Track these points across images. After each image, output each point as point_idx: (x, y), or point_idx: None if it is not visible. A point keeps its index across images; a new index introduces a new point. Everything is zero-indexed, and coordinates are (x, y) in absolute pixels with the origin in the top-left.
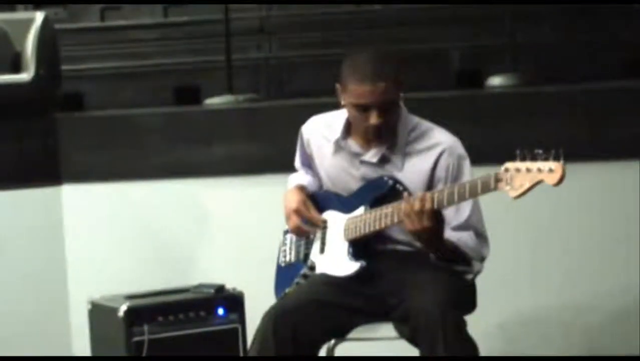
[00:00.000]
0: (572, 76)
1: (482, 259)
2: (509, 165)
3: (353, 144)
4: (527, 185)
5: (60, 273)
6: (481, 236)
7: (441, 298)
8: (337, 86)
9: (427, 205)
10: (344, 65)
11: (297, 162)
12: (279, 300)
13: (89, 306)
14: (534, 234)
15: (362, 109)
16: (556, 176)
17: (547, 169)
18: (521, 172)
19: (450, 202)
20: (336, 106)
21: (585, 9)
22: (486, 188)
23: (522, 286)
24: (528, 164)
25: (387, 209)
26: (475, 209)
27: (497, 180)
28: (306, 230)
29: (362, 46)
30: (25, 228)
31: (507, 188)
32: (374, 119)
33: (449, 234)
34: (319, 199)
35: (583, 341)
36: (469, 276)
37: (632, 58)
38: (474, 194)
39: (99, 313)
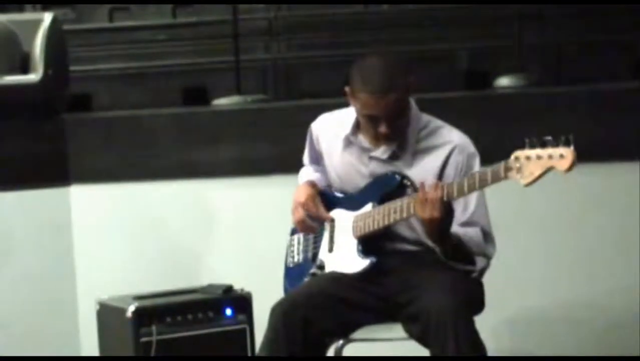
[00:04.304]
0: (579, 77)
1: (486, 257)
2: (519, 153)
3: (363, 139)
4: (537, 172)
5: (69, 274)
6: (487, 235)
7: (452, 297)
8: (347, 89)
9: (438, 194)
10: (354, 70)
11: (306, 159)
12: (288, 294)
13: (97, 307)
14: (540, 234)
15: (372, 118)
16: (567, 162)
17: (558, 155)
18: (531, 160)
19: (460, 193)
20: (345, 106)
21: (592, 9)
22: (496, 177)
23: (529, 285)
24: (538, 151)
25: (396, 205)
26: (481, 207)
27: (507, 169)
28: (310, 225)
29: (373, 49)
30: (33, 228)
31: (518, 176)
32: (383, 128)
33: (456, 229)
34: (327, 198)
35: (590, 339)
36: (474, 275)
37: (639, 59)
38: (483, 183)
39: (107, 313)
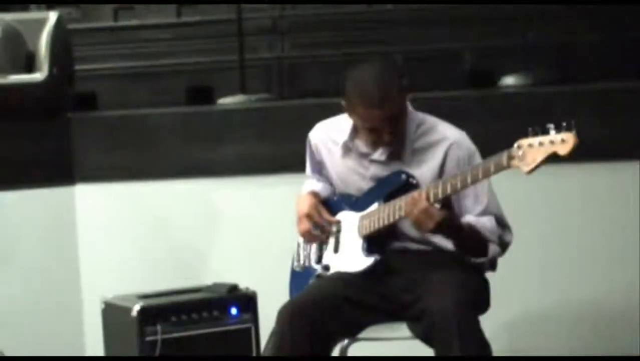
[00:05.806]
0: (584, 76)
1: (501, 243)
2: (522, 142)
3: (360, 144)
4: (539, 159)
5: (74, 273)
6: (502, 223)
7: (457, 297)
8: (343, 103)
9: (423, 204)
10: (348, 83)
11: (308, 170)
12: (294, 297)
13: (102, 306)
14: (541, 233)
15: (373, 129)
16: (568, 145)
17: (559, 140)
18: (534, 147)
19: (464, 185)
20: None
21: (597, 8)
22: (499, 167)
23: (529, 285)
24: (540, 138)
25: (401, 202)
26: (493, 198)
27: (510, 157)
28: (315, 235)
29: (376, 48)
30: (38, 227)
31: (520, 163)
32: (387, 137)
33: (469, 218)
34: (332, 204)
35: (591, 339)
36: (485, 265)
37: None
38: (487, 173)
39: (112, 312)
